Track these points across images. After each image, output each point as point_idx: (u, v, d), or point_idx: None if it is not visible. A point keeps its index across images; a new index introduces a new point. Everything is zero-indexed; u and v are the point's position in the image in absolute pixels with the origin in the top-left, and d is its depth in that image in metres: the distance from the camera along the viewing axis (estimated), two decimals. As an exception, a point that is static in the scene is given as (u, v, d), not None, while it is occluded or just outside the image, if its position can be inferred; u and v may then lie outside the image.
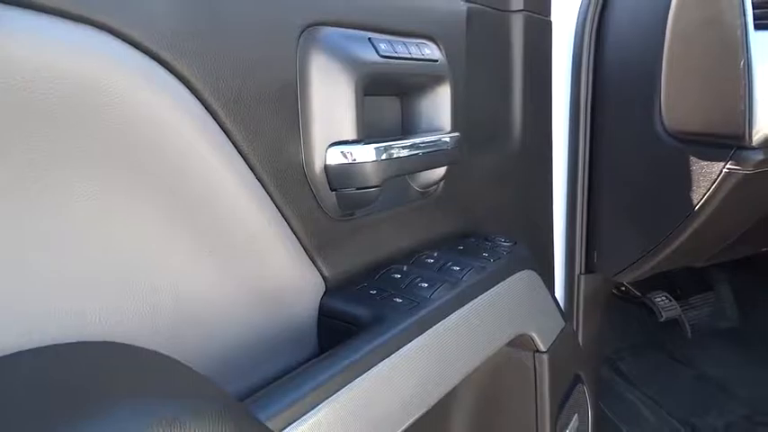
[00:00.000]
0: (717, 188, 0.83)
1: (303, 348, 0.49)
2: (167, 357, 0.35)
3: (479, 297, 0.54)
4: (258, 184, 0.43)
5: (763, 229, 1.06)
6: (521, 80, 0.76)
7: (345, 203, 0.50)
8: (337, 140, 0.47)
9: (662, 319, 1.27)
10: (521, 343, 0.66)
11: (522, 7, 0.74)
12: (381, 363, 0.42)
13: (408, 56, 0.53)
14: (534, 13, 0.77)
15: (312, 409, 0.37)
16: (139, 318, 0.38)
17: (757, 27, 0.75)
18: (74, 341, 0.35)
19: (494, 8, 0.71)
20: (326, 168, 0.48)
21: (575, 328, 1.08)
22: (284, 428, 0.35)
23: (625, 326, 1.45)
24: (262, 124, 0.42)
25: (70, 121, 0.32)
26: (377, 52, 0.49)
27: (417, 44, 0.55)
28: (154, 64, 0.35)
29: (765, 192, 0.91)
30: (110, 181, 0.35)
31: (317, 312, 0.50)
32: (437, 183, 0.62)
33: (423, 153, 0.53)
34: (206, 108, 0.38)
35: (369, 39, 0.49)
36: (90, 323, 0.36)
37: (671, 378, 1.38)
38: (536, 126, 0.82)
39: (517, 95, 0.76)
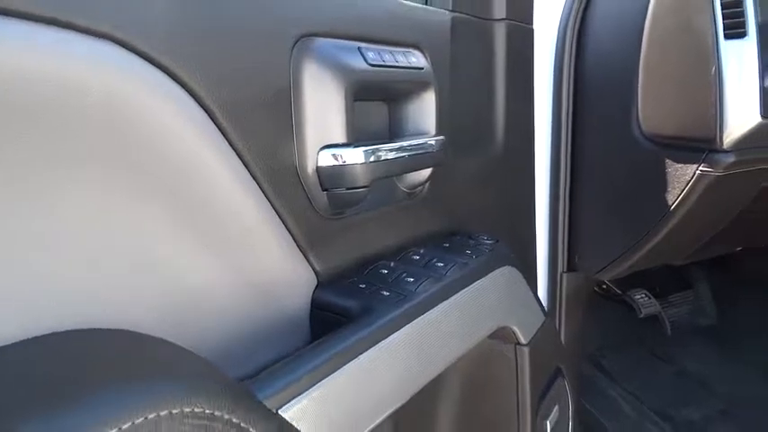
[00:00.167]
0: (691, 189, 0.87)
1: (297, 338, 0.52)
2: (171, 343, 0.38)
3: (462, 291, 0.58)
4: (254, 183, 0.46)
5: (737, 229, 1.10)
6: (503, 86, 0.80)
7: (336, 203, 0.53)
8: (328, 143, 0.50)
9: (641, 316, 1.32)
10: (503, 336, 0.70)
11: (504, 16, 0.78)
12: (370, 350, 0.46)
13: (395, 64, 0.56)
14: (517, 21, 0.80)
15: (305, 390, 0.40)
16: (142, 308, 0.41)
17: (727, 36, 0.79)
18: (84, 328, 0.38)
19: (477, 17, 0.75)
20: (318, 169, 0.51)
21: (557, 325, 1.11)
22: (280, 407, 0.38)
23: (607, 323, 1.49)
24: (257, 127, 0.45)
25: (75, 125, 0.35)
26: (365, 61, 0.52)
27: (404, 53, 0.58)
28: (155, 69, 0.38)
29: (737, 193, 0.95)
30: (114, 180, 0.38)
31: (309, 305, 0.53)
32: (423, 184, 0.65)
33: (409, 155, 0.57)
34: (205, 111, 0.41)
35: (358, 48, 0.52)
36: (98, 313, 0.39)
37: (651, 374, 1.42)
38: (518, 130, 0.85)
39: (500, 101, 0.79)
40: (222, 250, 0.45)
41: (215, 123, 0.42)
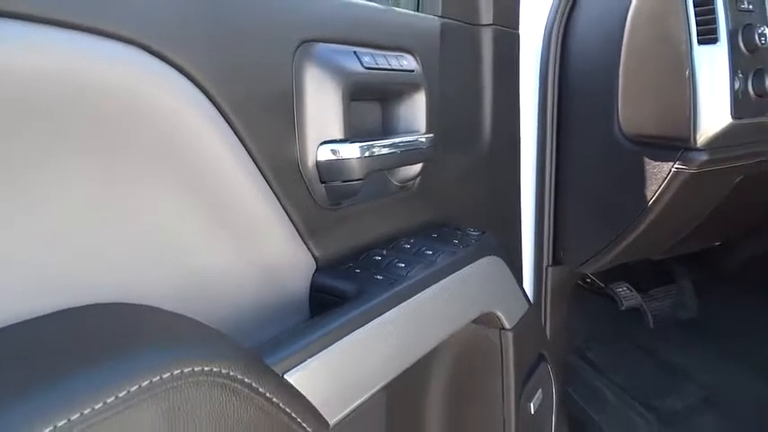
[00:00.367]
0: (667, 186, 0.92)
1: (297, 318, 0.57)
2: (187, 317, 0.43)
3: (450, 276, 0.62)
4: (260, 175, 0.50)
5: (714, 225, 1.15)
6: (490, 87, 0.84)
7: (334, 194, 0.58)
8: (327, 139, 0.55)
9: (623, 308, 1.37)
10: (488, 321, 0.74)
11: (491, 21, 0.83)
12: (364, 326, 0.50)
13: (388, 67, 0.61)
14: (503, 26, 0.85)
15: (307, 359, 0.44)
16: (157, 287, 0.46)
17: (700, 42, 0.84)
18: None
19: (465, 23, 0.79)
20: (318, 163, 0.56)
21: (543, 317, 1.16)
22: (284, 372, 0.42)
23: (593, 317, 1.55)
24: (263, 124, 0.50)
25: (100, 119, 0.39)
26: (361, 64, 0.57)
27: (396, 56, 0.63)
28: (171, 69, 0.43)
29: (710, 189, 1.00)
30: (134, 169, 0.42)
31: (309, 287, 0.58)
32: (414, 178, 0.70)
33: (401, 151, 0.61)
34: (216, 108, 0.46)
35: (354, 52, 0.57)
36: (117, 291, 0.43)
37: (635, 365, 1.48)
38: (505, 129, 0.90)
39: (487, 101, 0.84)
40: (230, 235, 0.50)
41: (225, 119, 0.46)
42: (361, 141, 0.56)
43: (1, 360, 0.33)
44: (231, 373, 0.37)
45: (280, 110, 0.52)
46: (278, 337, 0.45)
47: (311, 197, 0.56)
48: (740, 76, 0.84)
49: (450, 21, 0.75)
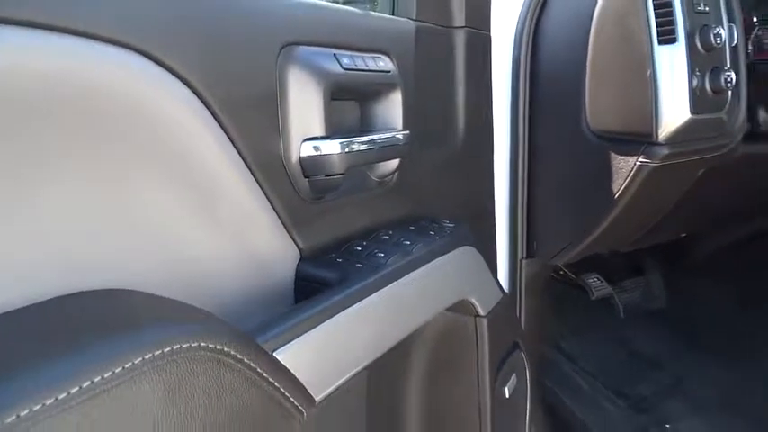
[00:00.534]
0: (632, 179, 0.97)
1: (283, 305, 0.60)
2: (181, 301, 0.46)
3: (426, 265, 0.66)
4: (247, 170, 0.54)
5: (678, 217, 1.21)
6: (464, 87, 0.88)
7: (316, 188, 0.61)
8: (310, 136, 0.58)
9: (593, 298, 1.42)
10: (463, 308, 0.78)
11: (464, 24, 0.86)
12: (347, 310, 0.54)
13: (366, 68, 0.64)
14: (475, 29, 0.89)
15: (294, 339, 0.48)
16: (149, 274, 0.49)
17: (660, 42, 0.89)
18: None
19: (439, 25, 0.83)
20: (301, 159, 0.59)
21: (519, 308, 1.21)
22: (273, 351, 0.46)
23: (567, 309, 1.60)
24: (249, 121, 0.53)
25: (97, 117, 0.42)
26: (340, 65, 0.61)
27: (373, 58, 0.67)
28: (165, 72, 0.46)
29: (673, 182, 1.06)
30: (129, 163, 0.45)
31: (293, 276, 0.61)
32: (392, 174, 0.74)
33: (379, 147, 0.65)
34: (206, 106, 0.49)
35: (334, 54, 0.61)
36: (111, 278, 0.46)
37: (606, 354, 1.53)
38: (478, 127, 0.94)
39: (461, 100, 0.88)
40: (218, 227, 0.53)
41: (215, 118, 0.49)
42: (341, 138, 0.60)
43: (9, 340, 0.36)
44: (225, 349, 0.40)
45: (265, 108, 0.55)
46: (267, 320, 0.48)
47: (295, 191, 0.60)
48: (698, 74, 0.89)
49: (425, 23, 0.79)
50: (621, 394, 1.41)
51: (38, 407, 0.30)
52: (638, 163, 0.95)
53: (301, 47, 0.57)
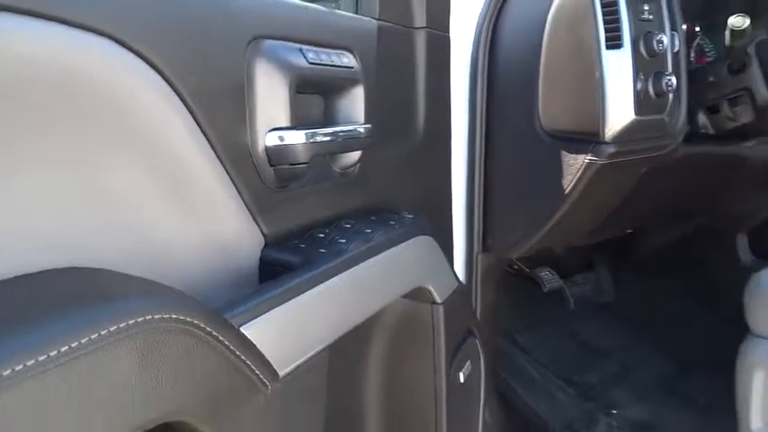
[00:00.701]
0: (581, 176, 1.03)
1: (247, 288, 0.63)
2: (149, 279, 0.48)
3: (386, 252, 0.70)
4: (215, 158, 0.56)
5: (624, 214, 1.28)
6: (423, 85, 0.92)
7: (281, 177, 0.64)
8: (275, 127, 0.61)
9: (545, 290, 1.49)
10: (421, 296, 0.82)
11: (425, 25, 0.90)
12: (310, 291, 0.57)
13: (330, 63, 0.67)
14: (435, 30, 0.93)
15: (259, 316, 0.51)
16: (116, 255, 0.50)
17: (608, 47, 0.95)
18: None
19: (400, 25, 0.87)
20: (266, 148, 0.62)
21: (474, 301, 1.25)
22: (240, 326, 0.48)
23: (521, 303, 1.66)
24: (218, 111, 0.56)
25: (73, 101, 0.44)
26: (306, 60, 0.64)
27: (337, 54, 0.70)
28: (138, 59, 0.48)
29: (619, 179, 1.12)
30: (103, 146, 0.47)
31: (258, 261, 0.64)
32: (353, 165, 0.77)
33: (341, 139, 0.68)
34: (178, 96, 0.51)
35: (300, 49, 0.64)
36: (78, 258, 0.48)
37: (558, 345, 1.60)
38: (437, 124, 0.98)
39: (420, 98, 0.92)
40: (185, 211, 0.55)
41: (185, 105, 0.52)
42: (305, 129, 0.63)
43: None
44: (195, 322, 0.43)
45: (233, 98, 0.57)
46: (234, 298, 0.51)
47: (261, 179, 0.62)
48: (642, 77, 0.95)
49: (387, 23, 0.82)
50: (571, 383, 1.48)
51: (19, 367, 0.32)
52: (586, 161, 1.01)
53: (269, 41, 0.60)
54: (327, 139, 0.66)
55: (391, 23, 0.84)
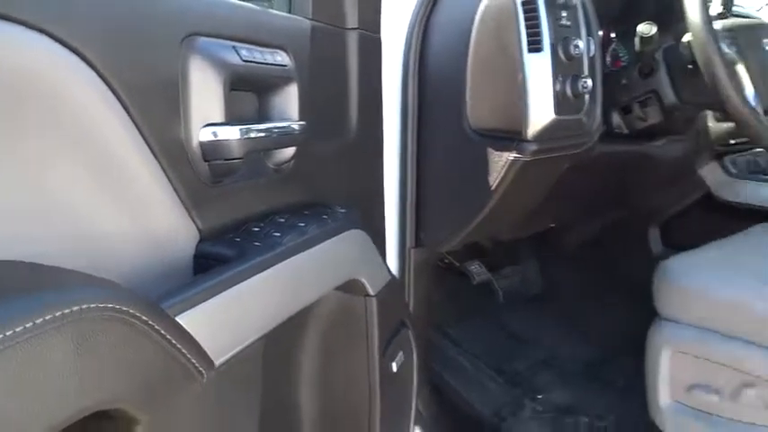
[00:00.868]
0: (506, 173, 1.08)
1: (182, 282, 0.64)
2: (87, 274, 0.48)
3: (320, 244, 0.72)
4: (150, 153, 0.57)
5: (548, 209, 1.35)
6: (356, 84, 0.95)
7: (216, 172, 0.65)
8: (210, 122, 0.62)
9: (475, 282, 1.55)
10: (354, 288, 0.85)
11: (356, 26, 0.93)
12: (245, 282, 0.58)
13: (264, 61, 0.69)
14: (366, 31, 0.96)
15: (195, 306, 0.52)
16: (52, 248, 0.50)
17: (529, 51, 1.01)
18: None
19: (333, 25, 0.89)
20: (201, 144, 0.63)
21: (407, 295, 1.29)
22: (176, 316, 0.50)
23: (452, 296, 1.72)
24: (152, 107, 0.56)
25: (8, 96, 0.44)
26: (240, 57, 0.65)
27: (271, 52, 0.71)
28: (70, 53, 0.48)
29: (542, 176, 1.19)
30: (36, 139, 0.47)
31: (193, 255, 0.65)
32: (287, 162, 0.79)
33: (275, 135, 0.70)
34: (112, 91, 0.52)
35: (233, 47, 0.65)
36: (15, 251, 0.48)
37: (488, 336, 1.67)
38: (369, 123, 1.01)
39: (353, 96, 0.95)
40: (119, 205, 0.56)
41: (119, 100, 0.52)
42: (240, 125, 0.64)
43: None
44: (131, 311, 0.44)
45: (168, 95, 0.58)
46: (170, 289, 0.52)
47: (195, 174, 0.63)
48: (560, 80, 1.01)
49: (319, 23, 0.85)
50: (500, 371, 1.55)
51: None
52: (510, 158, 1.06)
53: (203, 38, 0.61)
54: (262, 135, 0.67)
55: (324, 24, 0.86)
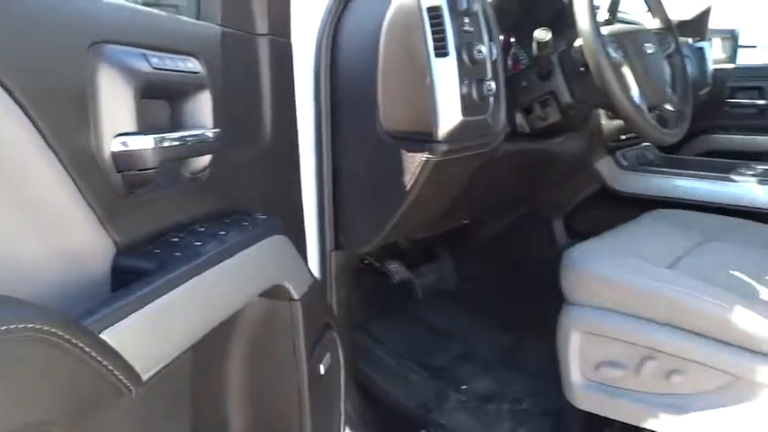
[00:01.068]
0: (419, 173, 1.12)
1: (99, 298, 0.62)
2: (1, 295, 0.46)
3: (242, 252, 0.72)
4: (60, 165, 0.55)
5: (461, 206, 1.41)
6: (269, 90, 0.95)
7: (129, 183, 0.64)
8: (121, 132, 0.61)
9: (394, 281, 1.59)
10: (278, 294, 0.85)
11: (266, 32, 0.93)
12: (167, 294, 0.57)
13: (175, 68, 0.68)
14: (276, 36, 0.96)
15: (118, 321, 0.51)
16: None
17: (436, 55, 1.05)
18: None
19: (243, 31, 0.89)
20: (113, 155, 0.61)
21: (330, 297, 1.30)
22: (99, 332, 0.48)
23: (373, 296, 1.75)
24: (61, 119, 0.54)
25: None
26: (150, 65, 0.64)
27: (182, 59, 0.70)
28: None
29: (453, 175, 1.23)
30: None
31: (110, 270, 0.63)
32: (203, 170, 0.77)
33: (190, 143, 0.69)
34: (16, 102, 0.50)
35: (143, 54, 0.64)
36: None
37: (409, 333, 1.71)
38: (283, 128, 1.01)
39: (266, 102, 0.95)
40: (32, 222, 0.53)
41: (24, 113, 0.50)
42: (153, 134, 0.63)
43: None
44: (53, 330, 0.42)
45: (76, 105, 0.56)
46: (91, 305, 0.50)
47: (108, 185, 0.61)
48: (466, 83, 1.06)
49: (229, 29, 0.84)
50: (423, 365, 1.59)
51: None
52: (423, 159, 1.10)
53: (111, 45, 0.60)
54: (176, 143, 0.66)
55: (234, 30, 0.85)
